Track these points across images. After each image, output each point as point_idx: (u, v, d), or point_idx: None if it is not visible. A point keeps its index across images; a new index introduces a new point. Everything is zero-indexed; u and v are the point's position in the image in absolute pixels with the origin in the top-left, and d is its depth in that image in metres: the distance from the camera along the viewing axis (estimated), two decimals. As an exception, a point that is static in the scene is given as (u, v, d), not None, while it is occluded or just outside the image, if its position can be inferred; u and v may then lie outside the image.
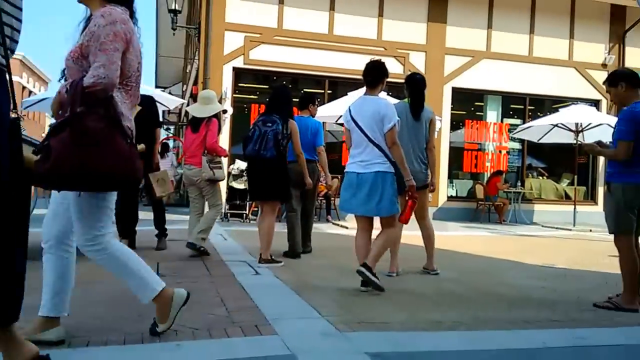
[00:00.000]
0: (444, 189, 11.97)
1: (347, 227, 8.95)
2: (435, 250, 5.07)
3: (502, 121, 12.81)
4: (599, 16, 12.79)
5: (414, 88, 4.84)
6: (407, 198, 4.06)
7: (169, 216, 6.79)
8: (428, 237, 5.01)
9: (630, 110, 3.75)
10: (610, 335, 3.19)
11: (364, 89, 10.05)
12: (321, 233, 8.22)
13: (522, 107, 12.86)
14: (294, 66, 10.98)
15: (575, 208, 11.06)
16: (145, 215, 6.58)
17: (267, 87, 11.20)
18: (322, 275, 4.77)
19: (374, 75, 4.14)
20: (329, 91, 11.41)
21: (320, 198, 10.21)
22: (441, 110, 11.48)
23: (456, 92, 12.01)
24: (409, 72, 5.10)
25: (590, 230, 10.20)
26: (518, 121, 12.71)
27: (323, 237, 7.80)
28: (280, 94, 5.30)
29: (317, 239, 6.66)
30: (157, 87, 19.64)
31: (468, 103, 12.90)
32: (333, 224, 9.64)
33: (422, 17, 11.75)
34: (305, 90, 11.96)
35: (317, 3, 11.10)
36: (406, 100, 4.87)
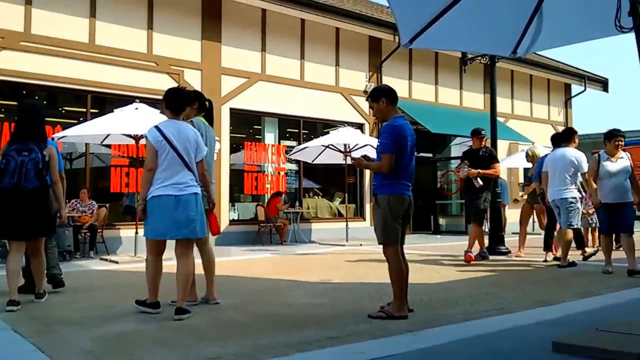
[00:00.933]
0: (225, 213, 11.68)
1: (117, 262, 7.95)
2: (216, 277, 4.70)
3: (279, 143, 13.15)
4: (360, 47, 14.12)
5: (208, 108, 4.80)
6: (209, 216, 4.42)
7: None
8: (208, 263, 4.64)
9: (392, 125, 3.95)
10: (383, 347, 3.24)
11: (134, 106, 9.29)
12: (85, 271, 7.17)
13: (297, 130, 13.41)
14: (49, 78, 9.43)
15: (347, 224, 11.84)
16: None
17: (15, 102, 9.46)
18: (77, 320, 4.00)
19: (180, 102, 4.25)
20: (94, 110, 10.12)
21: (84, 230, 8.95)
22: (220, 131, 11.21)
23: (234, 113, 11.91)
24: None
25: (361, 245, 10.98)
26: (294, 143, 13.19)
27: (87, 275, 6.81)
28: (32, 113, 4.73)
29: (79, 277, 5.77)
30: None
31: (247, 125, 12.95)
32: (101, 259, 8.49)
33: (196, 34, 11.34)
34: (65, 108, 10.62)
35: (74, 8, 9.76)
36: (200, 117, 4.69)
